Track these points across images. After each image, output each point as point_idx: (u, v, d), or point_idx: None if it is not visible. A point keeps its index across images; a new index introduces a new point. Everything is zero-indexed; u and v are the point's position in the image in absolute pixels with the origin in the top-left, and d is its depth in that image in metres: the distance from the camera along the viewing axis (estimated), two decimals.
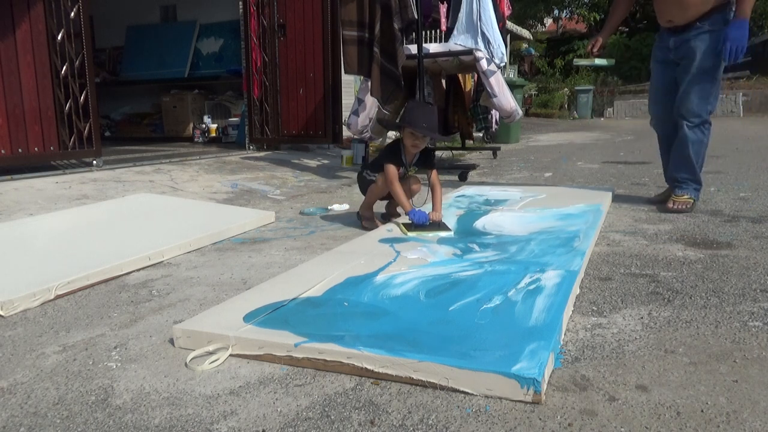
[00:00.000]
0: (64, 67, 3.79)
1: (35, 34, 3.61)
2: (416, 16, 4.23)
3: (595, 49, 3.12)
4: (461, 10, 4.81)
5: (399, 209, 2.85)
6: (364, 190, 2.78)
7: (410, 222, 2.47)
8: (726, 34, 2.62)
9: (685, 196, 2.86)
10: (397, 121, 2.63)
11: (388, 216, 2.85)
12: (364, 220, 2.73)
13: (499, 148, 6.33)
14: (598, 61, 3.23)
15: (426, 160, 2.66)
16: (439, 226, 2.45)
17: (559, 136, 9.27)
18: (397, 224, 2.53)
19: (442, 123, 5.54)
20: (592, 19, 18.63)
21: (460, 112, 5.78)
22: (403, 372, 1.19)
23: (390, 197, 2.78)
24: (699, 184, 2.92)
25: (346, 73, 4.44)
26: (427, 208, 2.59)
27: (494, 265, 1.90)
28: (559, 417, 1.06)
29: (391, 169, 2.54)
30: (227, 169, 4.54)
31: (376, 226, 2.61)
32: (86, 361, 1.36)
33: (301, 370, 1.27)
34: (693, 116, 2.80)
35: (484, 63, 4.54)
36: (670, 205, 2.83)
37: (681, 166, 2.93)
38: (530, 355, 1.18)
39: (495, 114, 5.58)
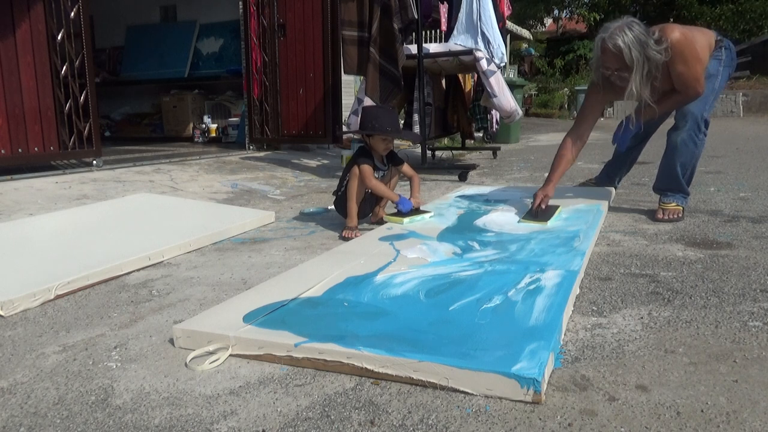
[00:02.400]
0: (64, 67, 3.79)
1: (35, 34, 3.61)
2: (416, 16, 4.24)
3: (543, 206, 2.63)
4: (461, 10, 4.82)
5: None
6: (344, 211, 2.64)
7: (397, 210, 2.62)
8: (621, 128, 2.80)
9: (673, 204, 2.76)
10: (361, 128, 2.66)
11: (378, 223, 2.78)
12: (346, 230, 2.54)
13: (499, 148, 6.33)
14: (540, 224, 2.62)
15: (394, 158, 2.75)
16: (418, 211, 2.66)
17: (559, 136, 9.24)
18: (390, 219, 2.64)
19: (441, 123, 5.55)
20: (592, 19, 18.63)
21: (461, 112, 5.78)
22: (403, 372, 1.19)
23: (367, 209, 2.77)
24: (686, 193, 2.81)
25: (345, 73, 4.44)
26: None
27: (494, 265, 1.90)
28: (559, 417, 1.06)
29: (367, 168, 2.56)
30: (227, 169, 4.54)
31: (356, 237, 2.48)
32: (86, 361, 1.36)
33: (301, 370, 1.27)
34: (686, 119, 2.69)
35: (484, 63, 4.54)
36: (660, 215, 2.73)
37: (666, 176, 2.81)
38: (530, 355, 1.18)
39: (495, 114, 5.58)
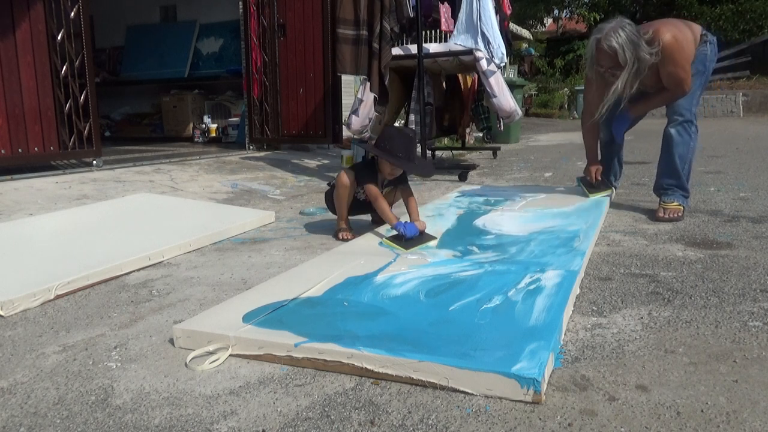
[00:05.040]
0: (64, 67, 3.79)
1: (35, 34, 3.61)
2: (412, 14, 4.23)
3: (599, 177, 3.06)
4: (461, 10, 4.81)
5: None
6: (333, 208, 2.66)
7: (400, 236, 2.29)
8: (619, 118, 2.96)
9: (674, 203, 2.78)
10: (375, 145, 2.51)
11: (378, 222, 2.75)
12: (340, 232, 2.55)
13: (499, 148, 6.33)
14: (605, 194, 2.98)
15: (399, 179, 2.57)
16: (423, 236, 2.33)
17: (559, 136, 9.27)
18: (389, 244, 2.29)
19: (441, 123, 5.54)
20: (592, 19, 18.62)
21: (457, 112, 5.77)
22: (403, 372, 1.19)
23: (368, 209, 2.72)
24: (686, 192, 2.84)
25: (338, 72, 4.42)
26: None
27: (494, 265, 1.90)
28: (559, 417, 1.06)
29: (373, 188, 2.45)
30: (227, 169, 4.54)
31: (353, 238, 2.48)
32: (86, 361, 1.36)
33: (301, 370, 1.27)
34: (677, 114, 2.78)
35: (483, 63, 4.54)
36: (660, 213, 2.75)
37: (665, 171, 2.86)
38: (530, 355, 1.18)
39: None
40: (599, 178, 3.06)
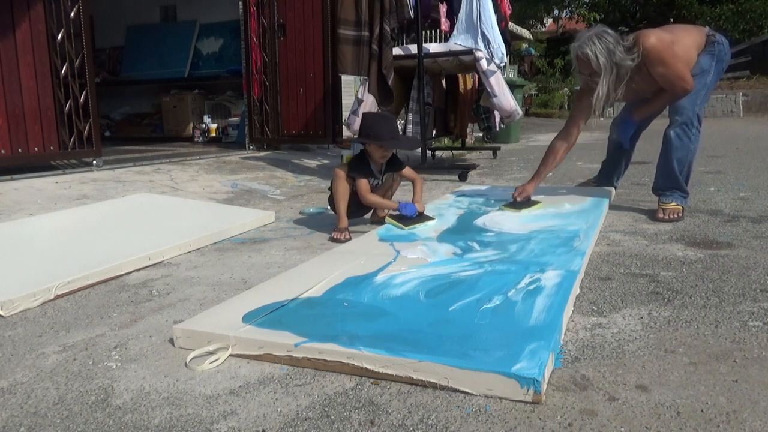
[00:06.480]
0: (64, 67, 3.79)
1: (35, 34, 3.61)
2: (412, 15, 4.23)
3: (519, 198, 2.83)
4: (461, 10, 4.82)
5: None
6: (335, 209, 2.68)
7: (400, 215, 2.55)
8: (623, 123, 3.02)
9: (672, 204, 2.78)
10: (360, 135, 2.64)
11: (378, 222, 2.79)
12: (335, 232, 2.53)
13: (499, 148, 6.33)
14: (525, 212, 2.78)
15: (394, 164, 2.69)
16: (421, 216, 2.59)
17: None
18: (391, 222, 2.56)
19: (442, 123, 5.55)
20: (592, 18, 18.63)
21: (456, 112, 5.77)
22: (403, 372, 1.19)
23: (365, 208, 2.76)
24: (685, 192, 2.82)
25: (338, 72, 4.43)
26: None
27: (494, 265, 1.90)
28: (559, 417, 1.06)
29: (363, 183, 2.56)
30: (227, 169, 4.54)
31: (347, 239, 2.48)
32: (86, 361, 1.36)
33: (301, 370, 1.27)
34: (678, 114, 2.74)
35: (484, 63, 4.54)
36: (660, 215, 2.74)
37: (663, 173, 2.85)
38: (530, 355, 1.18)
39: (497, 114, 5.58)
40: (519, 199, 2.83)
